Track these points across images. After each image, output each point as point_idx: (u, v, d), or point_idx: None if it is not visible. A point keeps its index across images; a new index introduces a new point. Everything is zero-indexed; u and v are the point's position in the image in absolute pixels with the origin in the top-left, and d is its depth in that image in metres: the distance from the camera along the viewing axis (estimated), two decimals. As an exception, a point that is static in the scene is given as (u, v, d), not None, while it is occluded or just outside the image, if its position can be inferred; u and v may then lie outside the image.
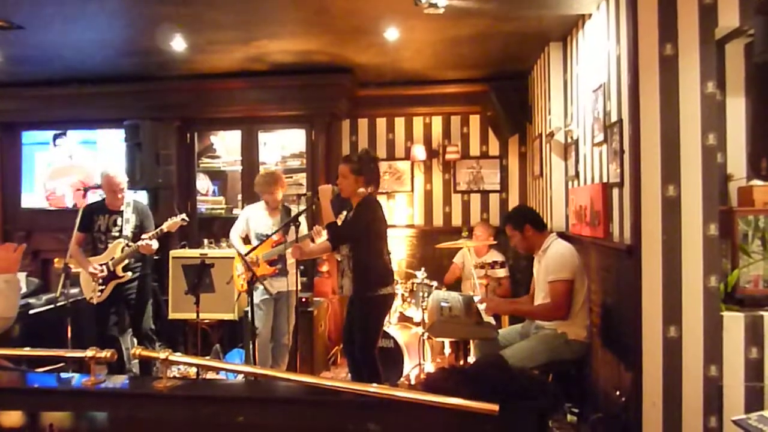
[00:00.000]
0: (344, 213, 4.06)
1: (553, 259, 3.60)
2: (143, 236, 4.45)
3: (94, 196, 4.67)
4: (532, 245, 3.78)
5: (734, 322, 2.98)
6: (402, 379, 4.89)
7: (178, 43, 4.85)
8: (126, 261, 4.52)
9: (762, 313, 2.99)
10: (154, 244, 4.56)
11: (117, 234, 4.57)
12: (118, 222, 4.59)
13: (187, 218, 4.71)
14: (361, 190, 3.92)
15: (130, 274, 4.58)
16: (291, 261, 4.57)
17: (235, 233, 4.79)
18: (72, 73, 5.81)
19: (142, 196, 5.90)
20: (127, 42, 4.92)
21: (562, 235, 4.43)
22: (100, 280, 4.48)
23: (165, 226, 4.52)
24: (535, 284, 3.89)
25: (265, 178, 4.76)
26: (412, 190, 6.67)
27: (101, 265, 4.50)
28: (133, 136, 5.83)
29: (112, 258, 4.50)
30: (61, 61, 5.42)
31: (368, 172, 3.93)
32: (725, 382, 2.96)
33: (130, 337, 4.79)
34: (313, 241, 4.45)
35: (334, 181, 4.03)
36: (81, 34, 4.64)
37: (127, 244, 4.52)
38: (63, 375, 2.61)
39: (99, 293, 4.48)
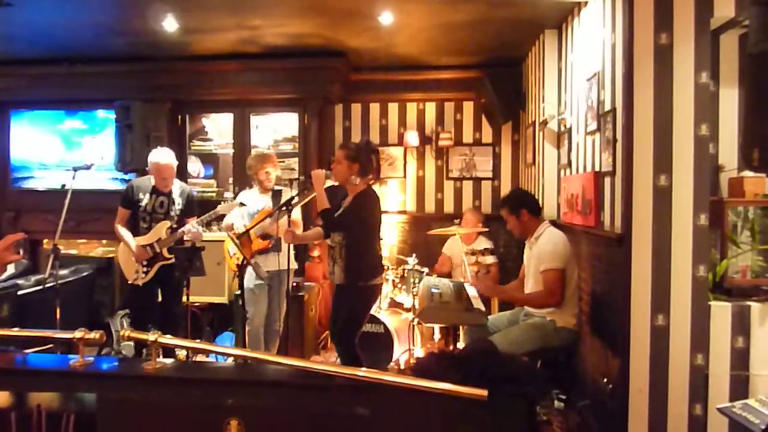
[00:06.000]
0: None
1: (546, 249, 3.61)
2: (190, 222, 4.35)
3: (83, 176, 4.59)
4: (527, 230, 3.78)
5: (721, 311, 3.01)
6: (391, 364, 4.91)
7: (170, 24, 4.78)
8: (171, 243, 4.43)
9: (749, 303, 3.03)
10: (201, 231, 4.48)
11: (162, 216, 4.46)
12: (165, 203, 4.48)
13: (245, 203, 4.63)
14: (356, 179, 3.87)
15: None
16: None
17: (233, 219, 4.76)
18: (62, 52, 5.73)
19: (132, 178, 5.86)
20: (118, 21, 4.85)
21: (553, 223, 4.45)
22: (145, 261, 4.41)
23: (220, 209, 4.41)
24: (526, 271, 3.91)
25: (258, 158, 4.73)
26: (405, 177, 6.66)
27: (146, 246, 4.40)
28: (124, 117, 5.77)
29: (159, 239, 4.41)
30: (51, 40, 5.34)
31: (364, 161, 3.86)
32: (711, 371, 2.99)
33: (120, 319, 4.78)
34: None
35: (326, 166, 4.01)
36: (71, 12, 4.57)
37: (172, 227, 4.44)
38: (51, 356, 2.60)
39: (144, 275, 4.41)
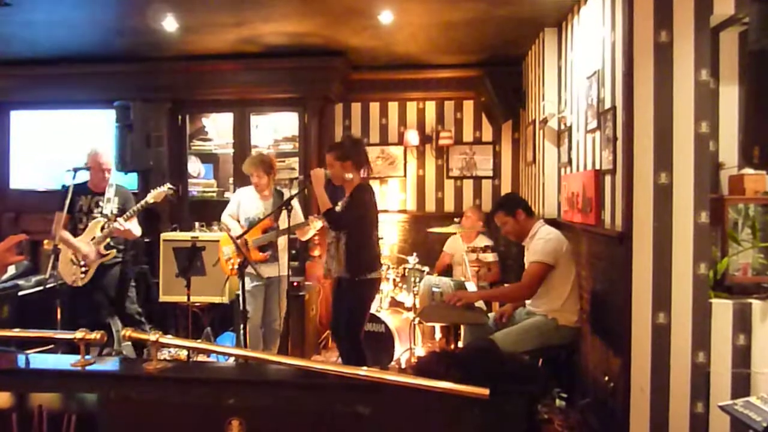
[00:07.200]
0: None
1: (538, 244, 3.62)
2: (118, 218, 4.38)
3: (83, 177, 4.59)
4: (523, 231, 3.78)
5: (722, 309, 3.00)
6: (392, 363, 4.91)
7: (170, 24, 4.78)
8: (107, 240, 4.45)
9: (750, 300, 3.02)
10: (134, 229, 4.47)
11: (98, 215, 4.49)
12: (101, 203, 4.50)
13: (173, 187, 4.62)
14: (350, 175, 3.88)
15: (114, 251, 4.51)
16: (282, 247, 4.56)
17: (228, 215, 4.75)
18: (62, 53, 5.72)
19: (132, 179, 5.85)
20: (117, 21, 4.85)
21: (554, 222, 4.45)
22: (82, 261, 4.41)
23: (150, 197, 4.44)
24: (525, 271, 3.91)
25: (252, 160, 4.73)
26: (405, 176, 6.66)
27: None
28: (124, 117, 5.77)
29: (93, 238, 4.44)
30: (50, 40, 5.33)
31: (355, 155, 3.91)
32: (712, 369, 2.99)
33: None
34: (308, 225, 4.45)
35: (326, 167, 4.02)
36: (70, 11, 4.56)
37: (106, 224, 4.43)
38: (52, 356, 2.60)
39: (83, 275, 4.41)
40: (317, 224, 4.38)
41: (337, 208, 3.86)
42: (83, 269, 4.41)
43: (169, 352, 4.54)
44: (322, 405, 1.88)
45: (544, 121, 4.96)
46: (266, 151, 5.94)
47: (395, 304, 5.44)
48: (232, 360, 3.40)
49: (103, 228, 4.43)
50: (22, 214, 6.40)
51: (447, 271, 5.91)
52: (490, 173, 6.53)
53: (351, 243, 3.83)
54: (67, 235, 4.42)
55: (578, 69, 4.27)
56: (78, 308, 4.47)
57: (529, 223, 3.76)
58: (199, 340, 4.82)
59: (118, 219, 4.36)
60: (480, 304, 3.96)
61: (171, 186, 4.60)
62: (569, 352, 3.77)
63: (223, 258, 4.63)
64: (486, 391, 1.66)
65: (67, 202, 4.32)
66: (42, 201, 6.21)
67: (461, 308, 3.68)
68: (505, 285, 3.96)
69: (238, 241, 4.17)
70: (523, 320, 3.71)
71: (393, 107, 6.68)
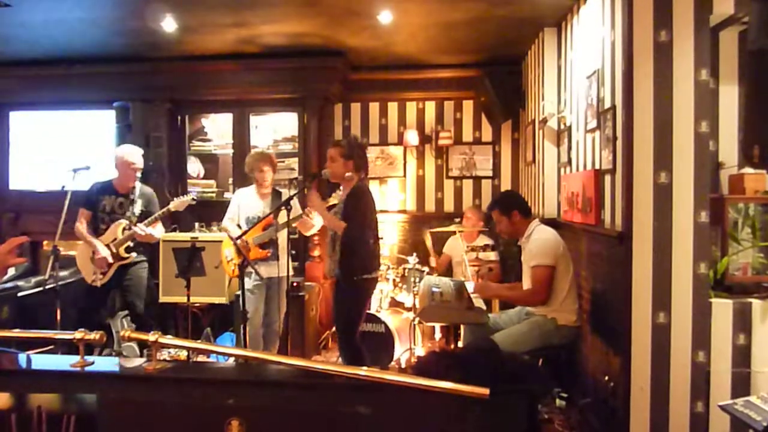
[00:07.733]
0: (334, 197, 4.08)
1: (536, 244, 3.62)
2: (139, 224, 4.39)
3: (82, 178, 4.58)
4: (517, 231, 3.79)
5: (722, 308, 3.00)
6: (392, 363, 4.91)
7: (169, 24, 4.78)
8: (128, 243, 4.47)
9: (750, 300, 3.02)
10: (156, 233, 4.49)
11: (120, 217, 4.50)
12: (125, 205, 4.52)
13: (197, 197, 4.65)
14: (349, 174, 3.91)
15: (135, 254, 4.52)
16: (282, 246, 4.55)
17: (229, 219, 4.75)
18: (61, 53, 5.72)
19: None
20: (116, 21, 4.84)
21: (554, 222, 4.45)
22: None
23: (172, 206, 4.48)
24: (522, 271, 3.91)
25: (255, 157, 4.73)
26: (405, 176, 6.65)
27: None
28: (123, 118, 5.77)
29: (114, 239, 4.45)
30: (50, 41, 5.33)
31: (357, 156, 3.95)
32: (713, 368, 2.99)
33: (120, 320, 4.77)
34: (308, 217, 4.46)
35: (326, 162, 4.04)
36: (69, 12, 4.56)
37: (128, 226, 4.46)
38: (52, 357, 2.59)
39: (102, 275, 4.43)
40: (315, 215, 4.34)
41: (333, 201, 3.87)
42: (103, 270, 4.43)
43: (169, 352, 4.54)
44: (322, 405, 1.87)
45: (544, 121, 4.95)
46: (265, 151, 5.93)
47: (395, 304, 5.44)
48: (232, 360, 3.40)
49: (124, 230, 4.45)
50: (22, 215, 6.39)
51: (447, 271, 5.90)
52: (490, 173, 6.52)
53: (346, 244, 3.84)
54: (85, 232, 4.46)
55: (578, 68, 4.27)
56: (90, 306, 4.50)
57: (524, 224, 3.77)
58: (199, 341, 4.83)
59: (138, 225, 4.38)
60: (480, 303, 3.96)
61: (194, 197, 4.67)
62: (569, 352, 3.77)
63: (225, 260, 4.64)
64: (486, 391, 1.66)
65: (67, 202, 4.31)
66: (41, 202, 6.22)
67: (462, 308, 3.68)
68: (520, 287, 3.95)
69: (239, 242, 4.17)
70: (523, 320, 3.71)
71: (392, 107, 6.68)
